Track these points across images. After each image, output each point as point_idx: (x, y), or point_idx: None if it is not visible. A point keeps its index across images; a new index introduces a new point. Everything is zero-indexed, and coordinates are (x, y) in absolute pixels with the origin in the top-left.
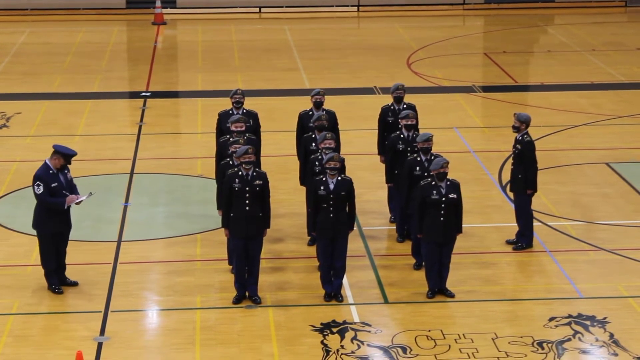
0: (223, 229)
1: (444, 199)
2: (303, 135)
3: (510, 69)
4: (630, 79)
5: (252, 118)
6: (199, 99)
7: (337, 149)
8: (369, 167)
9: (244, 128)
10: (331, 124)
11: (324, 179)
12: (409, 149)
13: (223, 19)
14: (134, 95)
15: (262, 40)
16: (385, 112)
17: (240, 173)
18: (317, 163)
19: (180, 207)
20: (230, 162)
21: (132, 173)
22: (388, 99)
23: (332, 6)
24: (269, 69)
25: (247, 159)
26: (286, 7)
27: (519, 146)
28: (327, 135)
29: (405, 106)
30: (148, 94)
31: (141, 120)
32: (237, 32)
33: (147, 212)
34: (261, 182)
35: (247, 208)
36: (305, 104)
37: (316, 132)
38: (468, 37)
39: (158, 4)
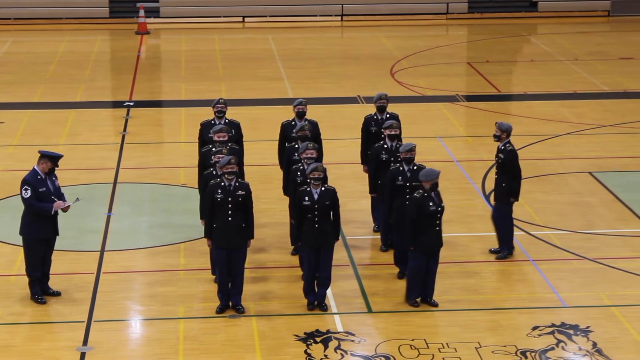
0: (206, 239)
1: (439, 209)
2: (286, 145)
3: (493, 78)
4: (613, 89)
5: (234, 128)
6: (182, 109)
7: (319, 158)
8: (352, 176)
9: (226, 138)
10: (314, 134)
11: (308, 189)
12: (392, 159)
13: (206, 29)
14: (117, 104)
15: (246, 50)
16: (368, 121)
17: (222, 183)
18: (299, 173)
19: (163, 216)
20: (214, 172)
21: (115, 182)
22: (371, 109)
23: (316, 15)
24: (252, 78)
25: (229, 169)
26: (270, 16)
27: (501, 155)
28: (309, 145)
29: (388, 116)
30: (131, 104)
31: (124, 129)
32: (220, 42)
33: (130, 221)
34: (244, 192)
35: (230, 219)
36: (288, 113)
37: (299, 142)
38: (451, 46)
39: (141, 13)
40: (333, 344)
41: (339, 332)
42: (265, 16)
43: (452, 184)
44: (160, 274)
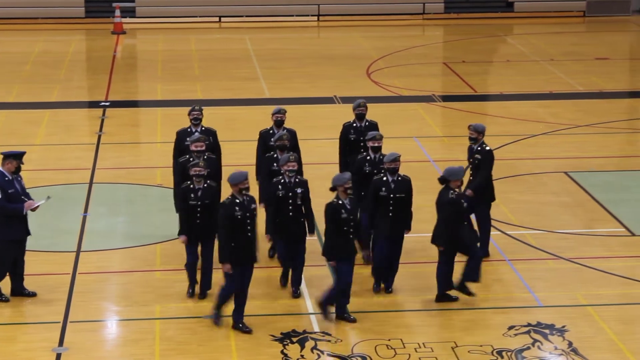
0: (180, 238)
1: (466, 206)
2: (265, 155)
3: (469, 78)
4: (589, 89)
5: (211, 135)
6: (158, 109)
7: (299, 170)
8: (328, 176)
9: (204, 147)
10: (292, 143)
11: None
12: (375, 171)
13: (183, 29)
14: (93, 104)
15: (222, 50)
16: (347, 129)
17: (237, 200)
18: (280, 187)
19: (139, 217)
20: (192, 185)
21: (91, 183)
22: (347, 109)
23: (292, 15)
24: (228, 78)
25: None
26: (246, 16)
27: (478, 156)
28: (290, 157)
29: (367, 123)
30: (107, 104)
31: (100, 129)
32: (196, 42)
33: (106, 222)
34: (255, 205)
35: (249, 234)
36: (265, 113)
37: (278, 151)
38: (428, 46)
39: (117, 13)
40: (309, 344)
41: (315, 332)
42: (242, 16)
43: (428, 184)
44: (137, 274)
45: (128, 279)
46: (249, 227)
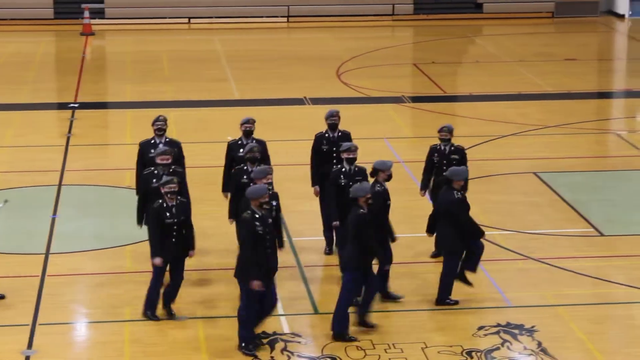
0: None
1: (350, 183)
2: (233, 168)
3: (439, 79)
4: (558, 89)
5: (176, 147)
6: (127, 110)
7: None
8: (298, 178)
9: (170, 160)
10: (263, 154)
11: (244, 167)
12: (351, 183)
13: (152, 30)
14: (62, 106)
15: (191, 51)
16: (319, 139)
17: (256, 215)
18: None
19: (108, 218)
20: (164, 204)
21: (60, 185)
22: (318, 109)
23: (262, 17)
24: (198, 79)
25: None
26: (216, 18)
27: (456, 156)
28: (269, 170)
29: (340, 134)
30: (76, 105)
31: (69, 131)
32: (166, 43)
33: (75, 224)
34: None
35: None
36: (234, 114)
37: (248, 163)
38: (397, 47)
39: (86, 14)
40: (279, 345)
41: (285, 334)
42: (211, 17)
43: (399, 184)
44: (106, 276)
45: (97, 281)
46: (268, 243)
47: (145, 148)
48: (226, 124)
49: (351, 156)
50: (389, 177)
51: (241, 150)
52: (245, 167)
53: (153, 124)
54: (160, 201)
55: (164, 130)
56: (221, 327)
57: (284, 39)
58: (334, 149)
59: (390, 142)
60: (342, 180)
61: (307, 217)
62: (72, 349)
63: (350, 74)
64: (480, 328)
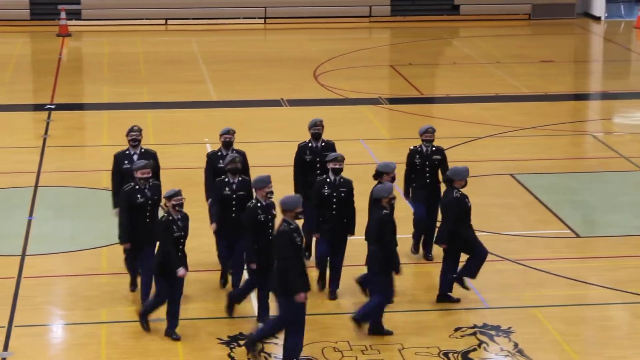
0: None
1: (334, 194)
2: (214, 179)
3: (416, 81)
4: (534, 91)
5: (152, 157)
6: (104, 111)
7: (250, 194)
8: (277, 180)
9: (150, 174)
10: (243, 165)
11: (226, 179)
12: (334, 193)
13: (129, 31)
14: (38, 107)
15: (168, 53)
16: (302, 149)
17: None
18: (259, 211)
19: (85, 220)
20: (170, 217)
21: (36, 186)
22: (294, 111)
23: (239, 18)
24: (174, 81)
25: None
26: (193, 19)
27: (438, 157)
28: (267, 179)
29: (323, 144)
30: (53, 107)
31: (46, 132)
32: (143, 44)
33: (51, 225)
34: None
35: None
36: (211, 115)
37: (230, 175)
38: (374, 49)
39: (63, 15)
40: (257, 346)
41: None
42: (188, 19)
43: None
44: (82, 278)
45: (74, 282)
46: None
47: (120, 160)
48: (203, 125)
49: (337, 166)
50: (392, 179)
51: (221, 161)
52: (226, 179)
53: (127, 134)
54: (167, 215)
55: (139, 141)
56: (198, 328)
57: (261, 40)
58: (318, 159)
59: (367, 144)
60: (326, 191)
61: None
62: (49, 351)
63: (327, 75)
64: (457, 329)
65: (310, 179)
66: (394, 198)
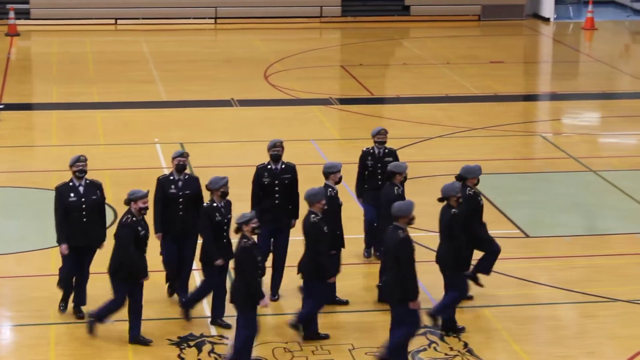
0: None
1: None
2: (165, 208)
3: (366, 81)
4: (484, 92)
5: (98, 189)
6: (53, 111)
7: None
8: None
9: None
10: (196, 191)
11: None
12: (276, 181)
13: (78, 31)
14: None
15: (118, 52)
16: (260, 172)
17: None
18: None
19: (34, 220)
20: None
21: None
22: (244, 112)
23: (189, 18)
24: (124, 81)
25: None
26: (142, 19)
27: (390, 158)
28: (223, 180)
29: (283, 166)
30: (1, 106)
31: None
32: (92, 44)
33: (0, 226)
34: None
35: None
36: (161, 116)
37: (219, 199)
38: (325, 49)
39: (11, 15)
40: (207, 347)
41: (212, 336)
42: (138, 19)
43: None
44: (31, 278)
45: (22, 283)
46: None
47: (63, 193)
48: (153, 125)
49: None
50: (404, 179)
51: (172, 186)
52: (216, 204)
53: (72, 165)
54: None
55: (85, 172)
56: (148, 328)
57: (211, 40)
58: (276, 182)
59: (318, 144)
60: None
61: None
62: None
63: (278, 75)
64: None
65: (268, 206)
66: (461, 197)
